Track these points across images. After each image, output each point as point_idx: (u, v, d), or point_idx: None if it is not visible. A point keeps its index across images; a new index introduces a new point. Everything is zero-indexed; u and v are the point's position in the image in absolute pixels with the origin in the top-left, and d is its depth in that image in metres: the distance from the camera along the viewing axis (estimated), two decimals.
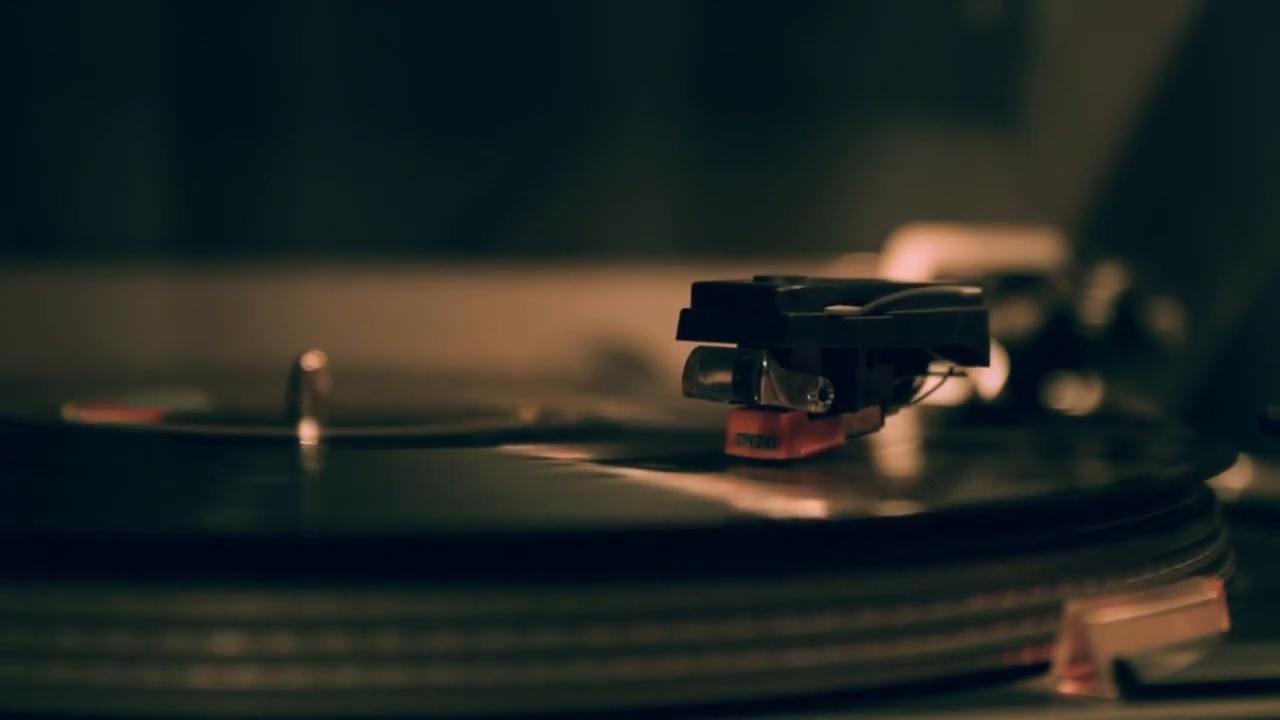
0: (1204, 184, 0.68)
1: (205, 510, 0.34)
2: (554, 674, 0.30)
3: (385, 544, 0.30)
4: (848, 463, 0.39)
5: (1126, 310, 0.59)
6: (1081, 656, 0.32)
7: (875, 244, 0.68)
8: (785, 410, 0.37)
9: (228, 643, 0.29)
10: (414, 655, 0.29)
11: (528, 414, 0.49)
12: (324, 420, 0.45)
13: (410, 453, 0.43)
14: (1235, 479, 0.50)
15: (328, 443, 0.43)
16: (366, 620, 0.29)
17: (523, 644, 0.29)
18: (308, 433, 0.44)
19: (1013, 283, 0.60)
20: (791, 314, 0.36)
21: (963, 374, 0.40)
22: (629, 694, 0.30)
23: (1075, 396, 0.59)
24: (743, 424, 0.38)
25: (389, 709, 0.29)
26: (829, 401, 0.37)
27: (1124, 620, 0.32)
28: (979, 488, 0.40)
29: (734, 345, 0.37)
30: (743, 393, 0.37)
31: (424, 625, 0.29)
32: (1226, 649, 0.33)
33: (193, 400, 0.53)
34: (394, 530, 0.31)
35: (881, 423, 0.39)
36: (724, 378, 0.37)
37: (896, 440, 0.43)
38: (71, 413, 0.48)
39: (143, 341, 0.74)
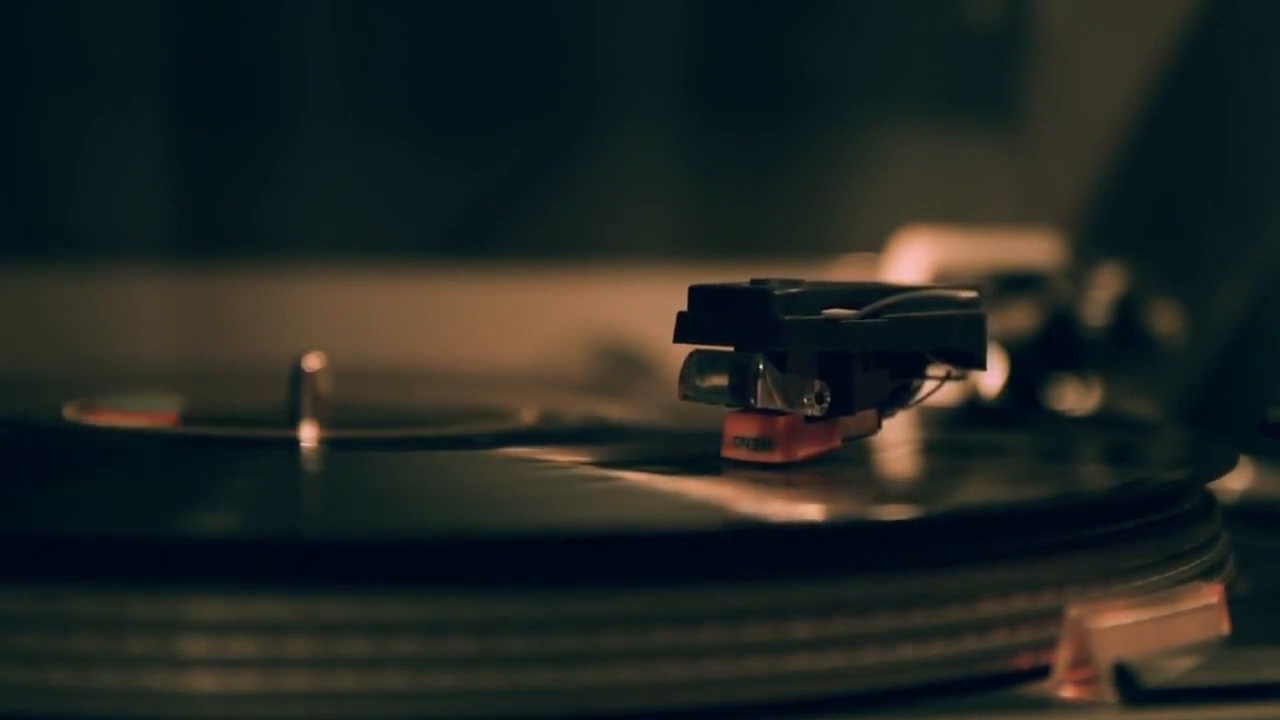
0: (1204, 184, 0.68)
1: (204, 513, 0.34)
2: (555, 678, 0.30)
3: (384, 547, 0.30)
4: (845, 466, 0.39)
5: (1126, 311, 0.59)
6: (1082, 661, 0.32)
7: (875, 245, 0.68)
8: (781, 413, 0.37)
9: (225, 646, 0.29)
10: (419, 658, 0.29)
11: (527, 415, 0.49)
12: (324, 421, 0.45)
13: (410, 454, 0.43)
14: (1235, 481, 0.50)
15: (328, 444, 0.43)
16: (362, 623, 0.29)
17: (524, 648, 0.29)
18: (308, 434, 0.44)
19: (1013, 283, 0.60)
20: (788, 317, 0.36)
21: (960, 378, 0.40)
22: (627, 698, 0.30)
23: (1075, 398, 0.59)
24: (739, 427, 0.38)
25: (389, 712, 0.29)
26: (825, 405, 0.37)
27: (1125, 624, 0.32)
28: (978, 491, 0.40)
29: (730, 348, 0.37)
30: (739, 396, 0.37)
31: (432, 629, 0.29)
32: (1227, 653, 0.33)
33: (191, 400, 0.53)
34: (393, 534, 0.31)
35: (878, 426, 0.39)
36: (720, 381, 0.37)
37: (895, 442, 0.43)
38: (72, 413, 0.48)
39: (143, 341, 0.74)
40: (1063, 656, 0.32)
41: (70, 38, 0.74)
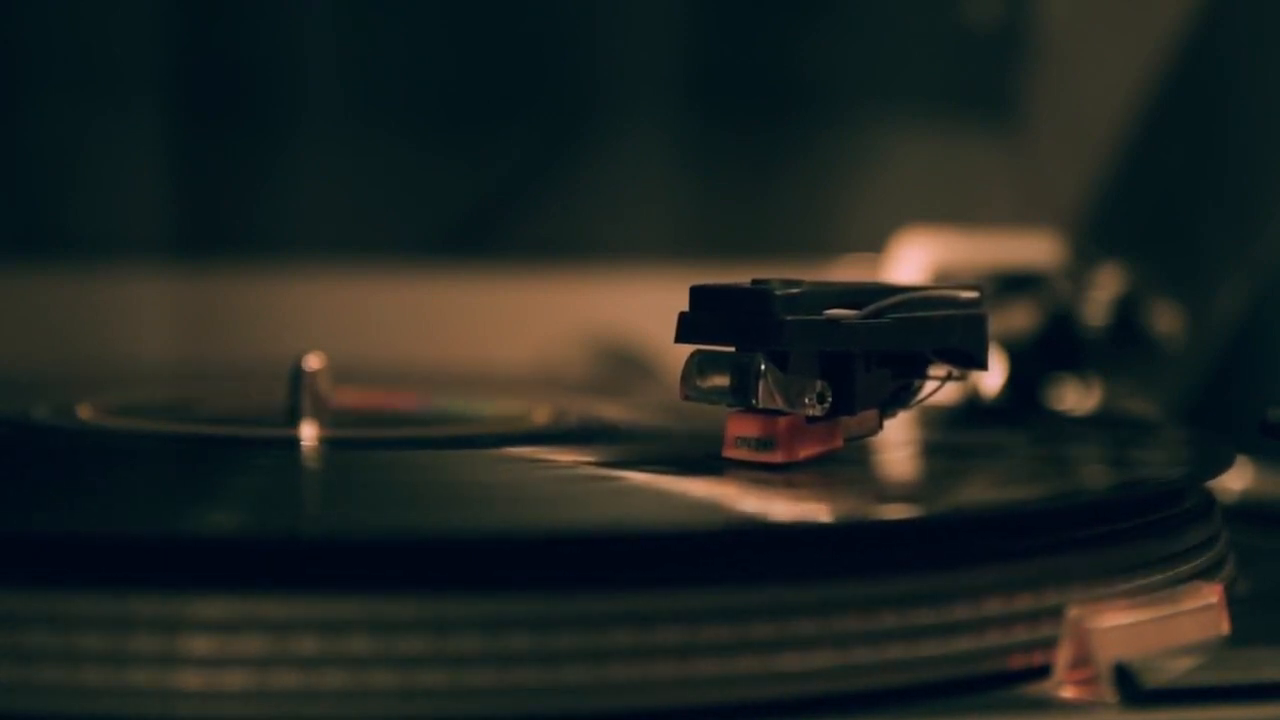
0: (1204, 184, 0.68)
1: (203, 513, 0.34)
2: (555, 677, 0.30)
3: (384, 547, 0.30)
4: (846, 466, 0.39)
5: (1126, 311, 0.59)
6: (1082, 661, 0.32)
7: (875, 245, 0.68)
8: (783, 414, 0.37)
9: (227, 645, 0.29)
10: (421, 658, 0.29)
11: (528, 415, 0.49)
12: (324, 421, 0.45)
13: (410, 454, 0.43)
14: (1235, 481, 0.50)
15: (328, 444, 0.43)
16: (363, 622, 0.29)
17: (525, 647, 0.29)
18: (308, 434, 0.44)
19: (1013, 283, 0.60)
20: (789, 317, 0.36)
21: (961, 378, 0.40)
22: (627, 697, 0.30)
23: (1075, 398, 0.59)
24: (740, 427, 0.38)
25: (390, 710, 0.29)
26: (826, 405, 0.37)
27: (1125, 624, 0.32)
28: (978, 491, 0.40)
29: (732, 348, 0.37)
30: (740, 396, 0.37)
31: (434, 628, 0.29)
32: (1227, 653, 0.33)
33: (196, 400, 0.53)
34: (393, 534, 0.31)
35: (879, 426, 0.39)
36: (721, 381, 0.37)
37: (896, 442, 0.43)
38: (71, 413, 0.48)
39: (143, 341, 0.74)
40: (1063, 656, 0.32)
41: (70, 38, 0.74)
